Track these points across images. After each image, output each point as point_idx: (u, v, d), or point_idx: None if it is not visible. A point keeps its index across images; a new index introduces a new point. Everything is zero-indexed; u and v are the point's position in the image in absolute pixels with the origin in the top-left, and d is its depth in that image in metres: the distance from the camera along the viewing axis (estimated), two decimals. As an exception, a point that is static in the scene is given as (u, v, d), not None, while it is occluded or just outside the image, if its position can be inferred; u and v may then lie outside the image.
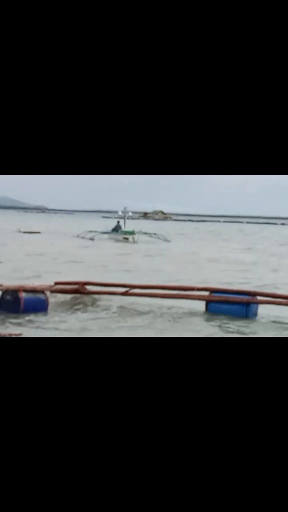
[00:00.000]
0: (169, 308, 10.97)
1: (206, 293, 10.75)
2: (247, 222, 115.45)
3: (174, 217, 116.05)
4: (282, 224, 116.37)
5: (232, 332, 9.37)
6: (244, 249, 34.01)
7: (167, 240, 37.82)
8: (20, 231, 40.89)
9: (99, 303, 11.40)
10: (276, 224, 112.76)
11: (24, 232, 40.57)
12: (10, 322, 9.29)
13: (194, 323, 9.97)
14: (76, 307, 11.09)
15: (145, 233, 39.18)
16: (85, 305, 11.26)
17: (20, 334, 6.38)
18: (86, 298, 11.53)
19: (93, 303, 11.41)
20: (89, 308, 11.16)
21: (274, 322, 10.04)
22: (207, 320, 10.18)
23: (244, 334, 9.21)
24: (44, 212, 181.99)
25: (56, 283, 11.47)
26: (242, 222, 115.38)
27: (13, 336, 6.16)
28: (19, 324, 9.19)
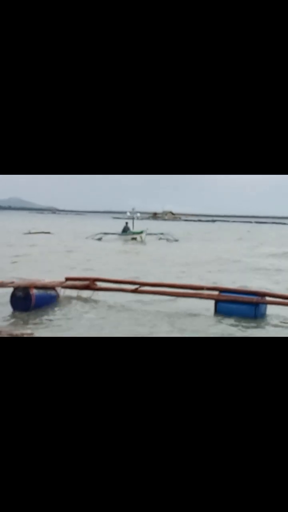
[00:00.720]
0: (178, 308, 10.95)
1: (216, 293, 10.63)
2: (256, 222, 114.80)
3: (183, 218, 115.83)
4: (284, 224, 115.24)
5: (239, 329, 9.34)
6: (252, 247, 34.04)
7: (175, 240, 38.13)
8: (30, 232, 41.06)
9: (108, 299, 11.37)
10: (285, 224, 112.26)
11: (32, 233, 40.63)
12: (21, 320, 9.35)
13: (202, 324, 9.93)
14: (86, 303, 11.13)
15: (153, 234, 39.70)
16: (95, 301, 11.28)
17: (32, 334, 6.30)
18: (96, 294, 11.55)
19: (102, 299, 11.40)
20: (98, 304, 11.17)
21: (283, 322, 9.97)
22: (216, 321, 10.11)
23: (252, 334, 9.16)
24: (54, 213, 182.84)
25: (67, 279, 11.49)
26: (250, 222, 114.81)
27: (25, 336, 6.07)
28: (30, 322, 9.26)
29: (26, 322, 8.91)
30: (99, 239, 36.64)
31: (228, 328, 9.50)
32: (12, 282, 10.46)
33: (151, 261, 21.78)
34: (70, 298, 11.18)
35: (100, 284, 11.68)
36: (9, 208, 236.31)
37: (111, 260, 21.77)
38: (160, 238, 39.44)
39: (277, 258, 24.66)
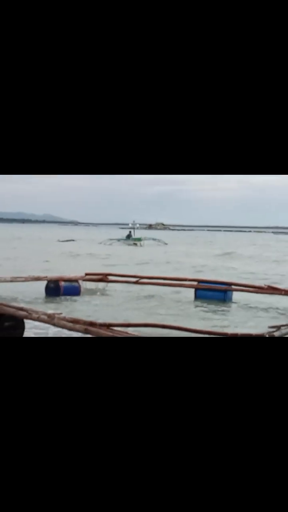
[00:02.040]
0: (168, 294, 11.00)
1: (195, 283, 10.74)
2: (225, 230, 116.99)
3: (171, 227, 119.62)
4: (249, 231, 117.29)
5: (214, 311, 9.40)
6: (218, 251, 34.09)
7: (165, 243, 38.17)
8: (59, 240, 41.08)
9: (116, 289, 11.42)
10: (249, 231, 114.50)
11: (63, 241, 40.61)
12: (53, 304, 9.38)
13: (187, 305, 9.99)
14: (100, 291, 11.14)
15: (149, 239, 40.00)
16: (106, 290, 11.31)
17: (61, 313, 6.02)
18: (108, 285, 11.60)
19: (112, 289, 11.42)
20: (108, 292, 11.21)
21: (244, 304, 10.04)
22: (196, 304, 10.17)
23: (223, 314, 9.26)
24: (76, 225, 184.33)
25: (87, 274, 11.48)
26: (220, 230, 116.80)
27: (56, 315, 5.86)
28: (60, 304, 9.29)
29: (57, 307, 8.86)
30: (110, 244, 36.48)
31: (204, 309, 9.58)
32: (46, 277, 10.65)
33: (146, 258, 21.83)
34: (88, 288, 11.14)
35: (110, 278, 11.65)
36: (43, 221, 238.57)
37: (119, 257, 21.69)
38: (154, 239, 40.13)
39: (215, 258, 24.80)
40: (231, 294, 10.37)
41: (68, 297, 10.14)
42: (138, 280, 11.22)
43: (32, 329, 6.62)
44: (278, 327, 5.66)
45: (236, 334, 5.05)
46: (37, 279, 10.39)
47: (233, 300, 10.30)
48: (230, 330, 5.29)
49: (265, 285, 10.21)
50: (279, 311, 9.35)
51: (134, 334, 5.01)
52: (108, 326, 5.37)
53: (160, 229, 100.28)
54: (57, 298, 9.94)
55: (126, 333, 5.13)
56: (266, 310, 9.53)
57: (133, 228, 43.29)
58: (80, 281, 10.90)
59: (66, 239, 42.13)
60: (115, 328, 5.34)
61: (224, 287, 10.39)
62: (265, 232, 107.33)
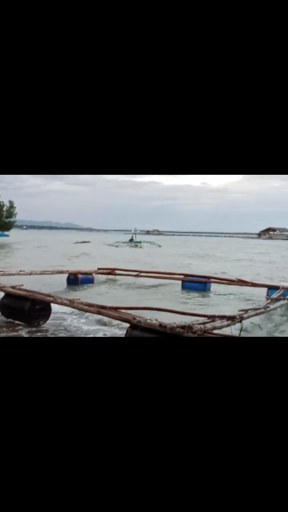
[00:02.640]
0: (162, 283, 11.31)
1: (182, 276, 11.12)
2: (206, 236, 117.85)
3: (164, 233, 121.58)
4: (225, 236, 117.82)
5: (195, 297, 9.66)
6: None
7: (159, 246, 38.69)
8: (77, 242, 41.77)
9: (121, 280, 11.72)
10: (223, 237, 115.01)
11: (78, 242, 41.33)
12: (73, 291, 9.73)
13: (176, 293, 10.25)
14: (109, 282, 11.48)
15: (146, 242, 40.86)
16: (113, 281, 11.66)
17: (79, 298, 6.05)
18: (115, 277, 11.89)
19: (117, 280, 11.75)
20: (115, 281, 11.54)
21: (220, 293, 10.34)
22: (183, 292, 10.50)
23: (203, 300, 9.50)
24: (91, 231, 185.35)
25: (99, 269, 11.77)
26: (202, 236, 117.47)
27: (75, 300, 5.85)
28: (78, 292, 9.58)
29: (76, 294, 9.16)
30: (116, 246, 37.04)
31: (188, 296, 9.86)
32: (67, 270, 10.98)
33: (145, 256, 22.04)
34: (100, 280, 11.45)
35: (117, 272, 12.03)
36: (66, 228, 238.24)
37: (123, 256, 21.71)
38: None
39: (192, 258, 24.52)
40: (210, 285, 10.69)
41: (84, 286, 10.43)
42: (138, 273, 11.57)
43: (58, 312, 6.97)
44: (246, 311, 5.83)
45: (214, 316, 5.10)
46: (60, 272, 10.59)
47: (211, 290, 10.60)
48: (208, 313, 5.42)
49: (235, 278, 10.52)
50: (246, 298, 9.64)
51: (136, 315, 5.01)
52: (116, 308, 5.46)
53: (155, 234, 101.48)
54: (76, 287, 10.21)
55: (130, 314, 5.16)
56: (236, 297, 9.78)
57: (135, 234, 44.61)
58: (94, 274, 11.16)
59: (81, 240, 43.04)
60: (121, 310, 5.40)
61: (204, 279, 10.72)
62: (236, 237, 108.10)
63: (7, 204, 37.03)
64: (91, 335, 6.19)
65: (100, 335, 6.23)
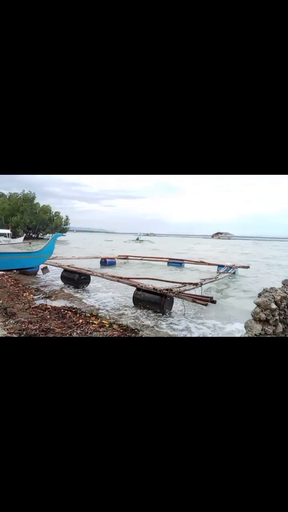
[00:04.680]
0: (155, 264, 11.31)
1: (167, 259, 11.26)
2: (181, 237, 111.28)
3: (157, 235, 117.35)
4: (194, 237, 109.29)
5: (175, 272, 9.44)
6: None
7: (153, 243, 37.93)
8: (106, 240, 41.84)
9: (131, 262, 11.65)
10: (210, 238, 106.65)
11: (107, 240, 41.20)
12: (103, 268, 9.53)
13: (163, 269, 10.15)
14: (124, 263, 11.41)
15: (146, 240, 40.49)
16: (127, 263, 11.55)
17: (107, 273, 5.86)
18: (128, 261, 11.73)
19: (129, 262, 11.65)
20: (128, 263, 11.45)
21: (190, 269, 10.25)
22: (168, 268, 10.43)
23: (179, 273, 9.25)
24: (114, 233, 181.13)
25: (118, 256, 11.86)
26: (178, 237, 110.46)
27: (104, 274, 5.60)
28: (106, 269, 9.29)
29: (105, 270, 8.92)
30: (129, 242, 36.92)
31: (171, 270, 9.71)
32: (100, 257, 10.96)
33: (145, 249, 21.53)
34: (119, 262, 11.43)
35: (130, 257, 12.03)
36: (98, 231, 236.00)
37: (133, 248, 21.34)
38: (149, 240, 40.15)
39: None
40: (184, 265, 10.83)
41: (110, 266, 10.50)
42: (142, 258, 11.67)
43: (94, 282, 6.83)
44: (204, 279, 5.85)
45: (185, 283, 5.06)
46: (96, 257, 10.75)
47: (185, 267, 10.68)
48: (182, 281, 5.38)
49: (199, 259, 10.72)
50: (205, 271, 9.56)
51: (140, 283, 4.93)
52: (128, 278, 5.52)
53: (151, 235, 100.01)
54: (105, 267, 10.25)
55: (136, 282, 5.14)
56: (199, 271, 9.70)
57: (139, 235, 48.33)
58: (115, 259, 11.27)
59: (108, 239, 43.23)
60: (131, 279, 5.42)
61: (180, 261, 10.93)
62: (199, 237, 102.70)
63: (65, 217, 40.20)
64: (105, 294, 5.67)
65: (110, 295, 5.96)
